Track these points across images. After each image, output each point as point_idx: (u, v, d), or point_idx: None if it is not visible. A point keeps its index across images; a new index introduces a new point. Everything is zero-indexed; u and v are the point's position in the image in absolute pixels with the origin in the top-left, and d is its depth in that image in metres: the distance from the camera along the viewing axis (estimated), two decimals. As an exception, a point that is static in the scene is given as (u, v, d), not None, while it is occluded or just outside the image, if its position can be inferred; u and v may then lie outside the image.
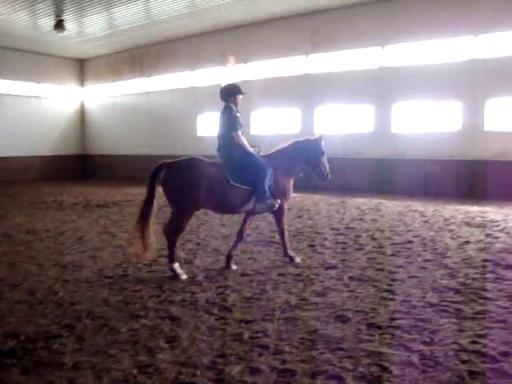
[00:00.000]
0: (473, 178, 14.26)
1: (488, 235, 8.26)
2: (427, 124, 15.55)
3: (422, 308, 4.66)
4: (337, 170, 16.51)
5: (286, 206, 6.67)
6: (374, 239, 7.99)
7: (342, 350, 3.76)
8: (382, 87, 16.22)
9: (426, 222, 9.73)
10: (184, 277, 5.87)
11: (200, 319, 4.45)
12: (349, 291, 5.22)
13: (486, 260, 6.56)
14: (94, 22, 18.34)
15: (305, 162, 6.76)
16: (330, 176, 6.85)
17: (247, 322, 4.37)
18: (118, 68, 24.20)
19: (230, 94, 6.47)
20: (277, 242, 7.70)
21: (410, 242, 7.78)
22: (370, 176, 16.18)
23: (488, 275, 5.83)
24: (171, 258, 5.99)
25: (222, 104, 6.55)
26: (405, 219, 9.99)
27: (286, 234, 6.71)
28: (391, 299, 4.94)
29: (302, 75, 18.08)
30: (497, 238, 8.10)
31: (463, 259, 6.62)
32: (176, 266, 5.98)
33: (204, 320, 4.43)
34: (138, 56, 23.19)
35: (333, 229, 8.99)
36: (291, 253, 6.70)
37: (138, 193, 15.75)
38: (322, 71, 17.65)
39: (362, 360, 3.58)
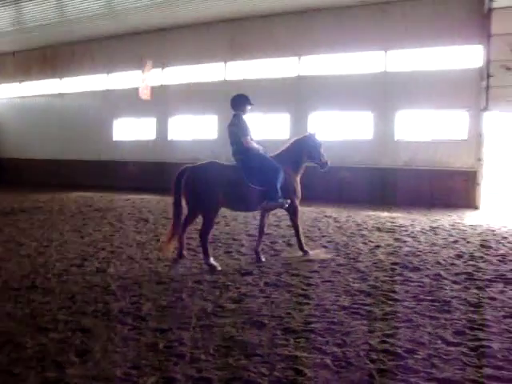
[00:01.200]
0: (384, 185, 15.01)
1: (397, 239, 8.70)
2: (342, 132, 16.16)
3: (335, 311, 4.81)
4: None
5: (297, 204, 7.30)
6: (289, 245, 8.15)
7: (257, 355, 3.79)
8: (299, 96, 16.67)
9: (339, 227, 10.08)
10: (219, 268, 6.45)
11: (113, 330, 4.31)
12: (264, 297, 5.28)
13: (394, 263, 6.90)
14: (1, 16, 17.31)
15: (308, 157, 7.49)
16: (329, 164, 7.59)
17: (162, 331, 4.29)
18: (27, 67, 22.95)
19: (241, 103, 7.11)
20: (193, 249, 7.67)
21: (324, 247, 8.03)
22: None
23: (396, 277, 6.14)
24: (207, 254, 6.55)
25: (232, 112, 7.16)
26: (319, 225, 10.29)
27: (301, 230, 7.41)
28: (306, 303, 5.06)
29: (220, 81, 18.15)
30: (405, 242, 8.56)
31: (374, 263, 6.92)
32: (211, 259, 6.56)
33: (117, 331, 4.30)
34: (50, 55, 22.18)
35: (249, 235, 9.07)
36: (306, 248, 7.37)
37: (49, 199, 15.07)
38: (240, 78, 17.82)
39: (277, 365, 3.63)
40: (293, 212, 7.28)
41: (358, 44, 15.76)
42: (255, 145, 7.05)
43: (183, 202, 6.78)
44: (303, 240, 7.44)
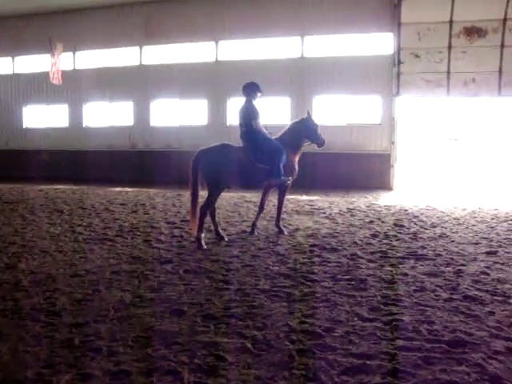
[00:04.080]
0: (303, 169, 15.23)
1: (315, 222, 8.91)
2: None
3: (255, 295, 4.83)
4: (172, 162, 16.64)
5: (291, 182, 7.98)
6: (209, 231, 8.06)
7: (177, 344, 3.73)
8: (216, 81, 16.56)
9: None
10: (205, 247, 6.92)
11: (24, 329, 4.06)
12: (184, 284, 5.20)
13: (313, 245, 7.07)
14: None
15: (306, 137, 8.19)
16: (325, 142, 8.36)
17: (78, 325, 4.11)
18: None
19: (252, 90, 7.73)
20: (110, 239, 7.43)
21: (244, 232, 8.06)
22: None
23: (315, 259, 6.29)
24: (200, 229, 7.09)
25: (243, 98, 7.76)
26: (240, 210, 10.33)
27: (284, 207, 8.20)
28: (226, 289, 5.05)
29: (136, 66, 17.64)
30: (323, 224, 8.80)
31: (293, 246, 7.05)
32: (202, 236, 7.10)
33: (29, 329, 4.05)
34: None
35: (168, 223, 8.94)
36: (281, 225, 8.06)
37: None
38: (157, 63, 17.41)
39: (197, 352, 3.59)
40: (284, 189, 8.02)
41: (276, 29, 15.85)
42: (263, 128, 7.66)
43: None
44: (280, 218, 8.12)
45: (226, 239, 7.46)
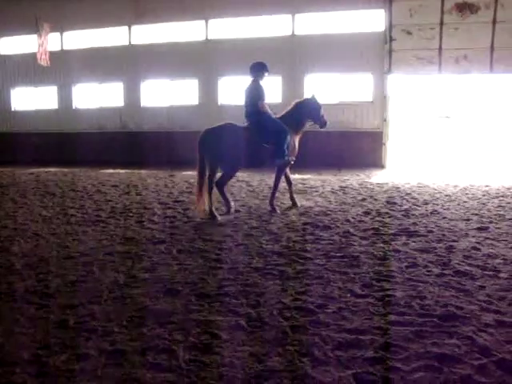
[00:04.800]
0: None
1: (308, 200, 8.93)
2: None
3: (248, 273, 4.86)
4: (163, 143, 16.57)
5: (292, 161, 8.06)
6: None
7: (172, 323, 3.76)
8: (207, 60, 16.40)
9: (252, 191, 10.18)
10: (219, 218, 7.29)
11: (18, 311, 4.07)
12: (178, 264, 5.22)
13: (306, 223, 7.10)
14: None
15: (308, 117, 8.27)
16: (328, 123, 8.48)
17: (72, 306, 4.12)
18: None
19: (259, 70, 7.82)
20: (103, 221, 7.42)
21: (237, 211, 8.06)
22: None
23: (308, 237, 6.32)
24: (226, 202, 7.79)
25: (250, 78, 7.89)
26: (232, 190, 10.30)
27: (279, 186, 8.29)
28: (219, 268, 5.07)
29: (125, 46, 17.42)
30: (316, 202, 8.82)
31: (286, 224, 7.07)
32: (232, 203, 7.80)
33: (23, 311, 4.06)
34: None
35: (161, 203, 8.92)
36: (274, 204, 8.08)
37: None
38: (146, 42, 17.20)
39: (192, 330, 3.62)
40: (283, 168, 8.07)
41: (266, 7, 15.66)
42: (268, 109, 7.75)
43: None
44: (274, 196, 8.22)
45: (219, 219, 7.42)
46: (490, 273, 4.79)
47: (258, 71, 7.84)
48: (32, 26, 16.70)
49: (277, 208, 8.05)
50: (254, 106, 7.69)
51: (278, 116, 8.02)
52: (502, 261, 5.18)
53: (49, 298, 4.36)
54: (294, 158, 8.04)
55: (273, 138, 7.60)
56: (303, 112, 8.22)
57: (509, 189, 10.18)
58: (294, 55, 15.47)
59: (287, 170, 8.27)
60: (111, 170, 14.79)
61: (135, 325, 3.75)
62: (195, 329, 3.65)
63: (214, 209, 7.54)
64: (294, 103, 8.38)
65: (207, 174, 7.51)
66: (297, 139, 8.24)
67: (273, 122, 7.73)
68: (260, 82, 7.81)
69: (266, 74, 7.93)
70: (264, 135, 7.58)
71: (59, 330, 3.70)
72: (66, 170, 15.11)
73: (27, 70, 18.43)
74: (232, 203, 7.86)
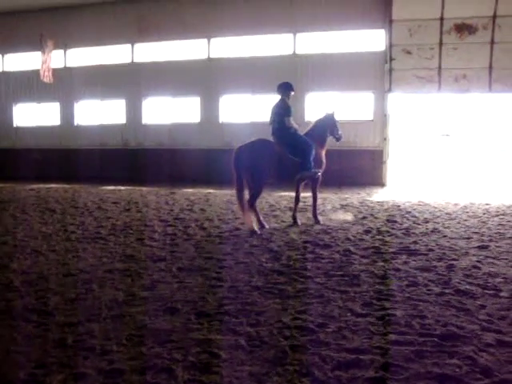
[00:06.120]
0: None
1: (309, 218, 8.92)
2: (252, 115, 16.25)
3: (248, 292, 4.84)
4: (164, 160, 16.62)
5: (320, 174, 8.56)
6: (203, 229, 8.10)
7: (171, 342, 3.73)
8: (209, 79, 16.53)
9: (252, 209, 10.14)
10: (259, 233, 7.60)
11: (16, 329, 4.04)
12: (178, 282, 5.20)
13: (306, 241, 7.09)
14: None
15: (330, 133, 8.82)
16: (343, 136, 9.12)
17: (71, 324, 4.09)
18: None
19: (286, 89, 8.33)
20: (103, 238, 7.42)
21: (237, 229, 8.06)
22: (199, 166, 16.42)
23: (308, 255, 6.30)
24: (258, 220, 8.07)
25: (278, 96, 8.36)
26: (233, 207, 10.31)
27: (318, 199, 8.89)
28: (219, 286, 5.04)
29: (128, 64, 17.58)
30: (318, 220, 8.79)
31: (286, 242, 7.06)
32: (254, 225, 7.83)
33: (21, 329, 4.03)
34: None
35: (162, 220, 8.92)
36: (319, 217, 8.66)
37: None
38: (149, 60, 17.36)
39: (191, 349, 3.59)
40: (315, 181, 8.56)
41: (268, 27, 15.84)
42: (294, 125, 8.21)
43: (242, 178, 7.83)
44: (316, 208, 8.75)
45: (267, 226, 8.11)
46: (491, 292, 4.77)
47: (285, 90, 8.33)
48: (36, 43, 16.92)
49: (320, 219, 8.62)
50: (280, 123, 8.11)
51: (304, 132, 8.47)
52: (502, 279, 5.17)
53: (47, 315, 4.33)
54: (320, 171, 8.47)
55: (299, 152, 8.02)
56: (325, 127, 8.79)
57: (509, 207, 10.19)
58: (296, 74, 15.55)
59: (300, 188, 8.62)
60: (112, 187, 14.82)
61: (134, 343, 3.72)
62: (194, 348, 3.62)
63: (254, 224, 7.88)
64: (315, 120, 8.96)
65: (245, 189, 7.93)
66: (323, 153, 8.67)
67: (299, 137, 8.19)
68: (287, 100, 8.29)
69: (292, 93, 8.43)
70: (292, 149, 8.00)
71: (57, 348, 3.67)
72: (66, 186, 15.13)
73: (30, 86, 18.60)
74: (261, 218, 8.22)
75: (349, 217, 9.34)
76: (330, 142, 9.03)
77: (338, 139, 9.01)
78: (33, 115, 19.20)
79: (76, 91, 18.17)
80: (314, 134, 8.60)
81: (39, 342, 3.78)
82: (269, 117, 8.38)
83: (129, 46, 17.57)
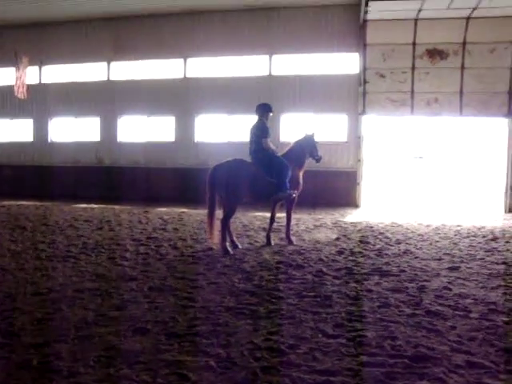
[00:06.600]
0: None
1: (282, 239, 8.93)
2: (230, 134, 16.30)
3: (219, 313, 4.79)
4: (139, 179, 16.50)
5: (296, 196, 8.53)
6: (175, 248, 8.03)
7: (140, 363, 3.66)
8: (185, 98, 16.57)
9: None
10: (231, 252, 7.59)
11: (-22, 351, 3.92)
12: (148, 302, 5.12)
13: (279, 262, 7.07)
14: None
15: (309, 155, 8.83)
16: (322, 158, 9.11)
17: (37, 346, 3.98)
18: None
19: (264, 110, 8.39)
20: (74, 257, 7.28)
21: (210, 249, 8.01)
22: (173, 185, 16.35)
23: (281, 276, 6.29)
24: (224, 238, 7.74)
25: (256, 117, 8.39)
26: (206, 227, 10.24)
27: (292, 219, 8.77)
28: (191, 306, 4.98)
29: (104, 82, 17.50)
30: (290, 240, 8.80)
31: (259, 262, 7.03)
32: (227, 244, 7.75)
33: (-17, 351, 3.91)
34: None
35: (134, 240, 8.81)
36: (292, 237, 8.69)
37: None
38: (125, 78, 17.32)
39: (160, 371, 3.53)
40: (291, 202, 8.51)
41: (244, 48, 16.02)
42: (272, 146, 8.25)
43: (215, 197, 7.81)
44: (290, 229, 8.76)
45: (240, 246, 8.12)
46: (461, 313, 4.83)
47: (264, 111, 8.38)
48: (11, 59, 16.73)
49: (293, 239, 8.65)
50: (258, 144, 8.15)
51: (281, 153, 8.47)
52: (472, 301, 5.23)
53: (12, 336, 4.21)
54: (296, 192, 8.44)
55: (275, 173, 8.04)
56: (304, 149, 8.77)
57: (479, 229, 10.38)
58: (271, 95, 15.69)
59: (275, 208, 8.60)
60: (85, 205, 14.62)
61: (102, 365, 3.64)
62: (164, 369, 3.56)
63: (227, 244, 7.84)
64: (294, 141, 8.90)
65: (217, 209, 7.85)
66: (300, 174, 8.69)
67: (275, 159, 8.19)
68: (265, 121, 8.33)
69: (271, 114, 8.50)
70: (268, 170, 8.02)
71: (21, 370, 3.56)
72: (38, 203, 14.87)
73: (3, 102, 18.34)
74: (227, 243, 7.91)
75: (334, 235, 9.48)
76: (306, 162, 9.03)
77: (317, 160, 9.02)
78: (5, 131, 18.89)
79: (51, 108, 17.98)
80: (292, 154, 8.59)
81: (3, 364, 3.66)
82: (248, 137, 8.42)
83: (105, 63, 17.51)
